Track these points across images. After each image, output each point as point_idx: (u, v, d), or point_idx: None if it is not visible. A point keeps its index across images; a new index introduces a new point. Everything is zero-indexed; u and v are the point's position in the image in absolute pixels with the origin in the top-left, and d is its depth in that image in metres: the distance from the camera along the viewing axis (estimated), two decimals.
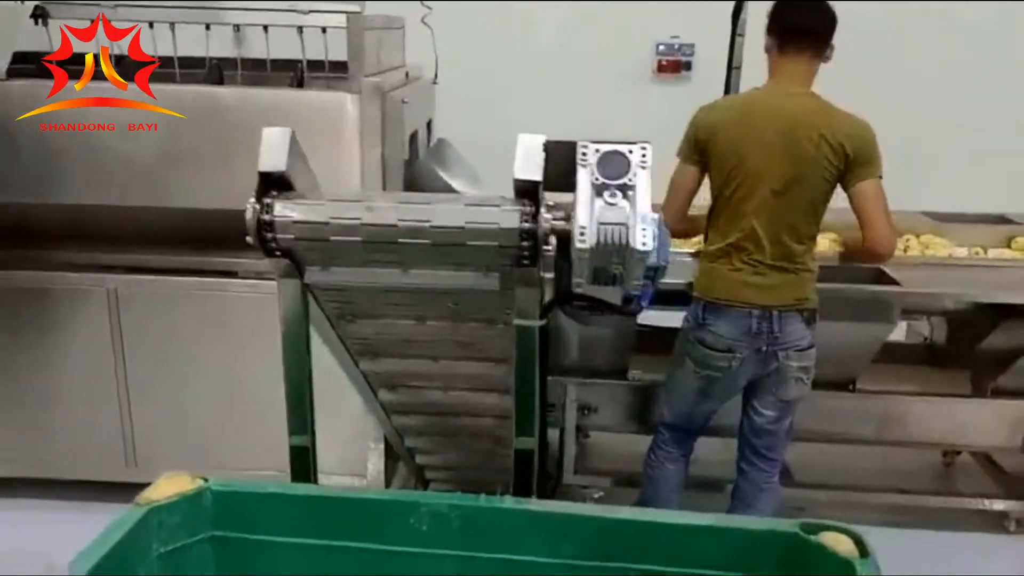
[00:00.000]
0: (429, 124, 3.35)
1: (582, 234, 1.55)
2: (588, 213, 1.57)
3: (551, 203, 1.63)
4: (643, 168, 1.61)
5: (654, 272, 1.84)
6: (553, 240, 1.62)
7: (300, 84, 3.05)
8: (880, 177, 2.49)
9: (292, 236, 1.64)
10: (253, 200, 1.63)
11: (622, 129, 4.54)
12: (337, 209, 1.64)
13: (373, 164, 2.85)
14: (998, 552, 3.19)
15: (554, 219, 1.60)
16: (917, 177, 3.96)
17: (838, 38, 2.54)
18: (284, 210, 1.63)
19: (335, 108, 2.82)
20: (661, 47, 4.64)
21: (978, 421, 3.21)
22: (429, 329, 1.98)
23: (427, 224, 1.62)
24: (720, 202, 2.57)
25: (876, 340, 3.02)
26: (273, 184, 1.64)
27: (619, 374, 3.24)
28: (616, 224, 1.56)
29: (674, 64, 4.65)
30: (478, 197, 1.73)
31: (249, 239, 1.65)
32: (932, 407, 3.21)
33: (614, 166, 1.60)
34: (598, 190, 1.59)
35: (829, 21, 2.55)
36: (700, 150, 2.56)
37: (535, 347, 1.74)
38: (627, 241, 1.55)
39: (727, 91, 3.42)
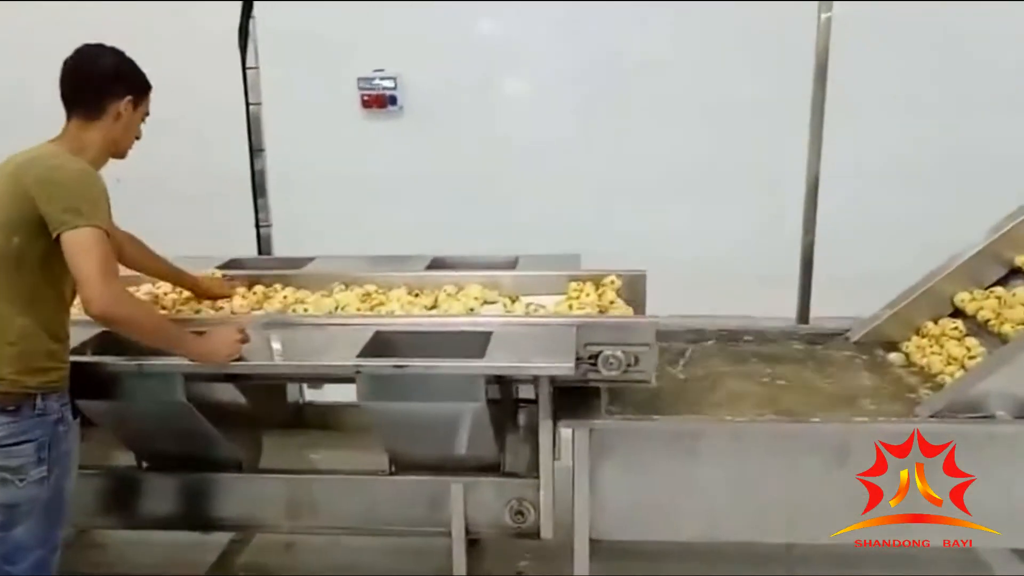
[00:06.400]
0: None
1: None
2: None
3: None
4: None
5: None
6: None
7: None
8: (97, 227, 2.09)
9: None
10: None
11: (335, 166, 4.55)
12: None
13: None
14: None
15: None
16: None
17: None
18: None
19: None
20: (362, 82, 4.50)
21: (388, 500, 2.71)
22: None
23: None
24: None
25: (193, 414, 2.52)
26: None
27: None
28: None
29: (378, 99, 4.51)
30: None
31: None
32: (338, 486, 2.75)
33: None
34: None
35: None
36: None
37: None
38: None
39: (248, 131, 3.32)
